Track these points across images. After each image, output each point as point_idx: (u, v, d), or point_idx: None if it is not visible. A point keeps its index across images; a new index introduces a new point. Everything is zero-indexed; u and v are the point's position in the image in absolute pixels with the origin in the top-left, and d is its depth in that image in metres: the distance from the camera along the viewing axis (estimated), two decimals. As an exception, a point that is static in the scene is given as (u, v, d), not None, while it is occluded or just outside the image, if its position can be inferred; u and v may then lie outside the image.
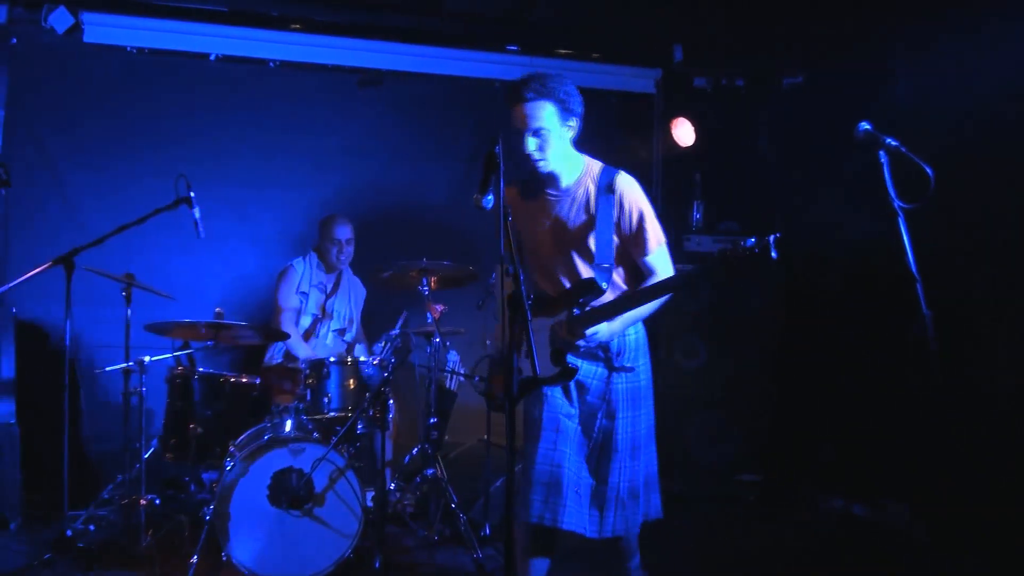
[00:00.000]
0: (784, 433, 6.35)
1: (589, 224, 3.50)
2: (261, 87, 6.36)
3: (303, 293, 5.66)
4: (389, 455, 5.08)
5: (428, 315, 5.17)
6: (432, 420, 5.24)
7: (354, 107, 6.53)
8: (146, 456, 4.94)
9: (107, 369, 5.13)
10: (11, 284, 4.93)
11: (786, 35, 6.42)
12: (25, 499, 5.33)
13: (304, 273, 5.71)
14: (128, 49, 6.22)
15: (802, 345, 6.35)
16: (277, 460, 4.38)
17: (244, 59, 6.32)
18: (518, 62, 6.62)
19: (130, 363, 4.84)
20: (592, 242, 3.49)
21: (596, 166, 3.59)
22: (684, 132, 6.69)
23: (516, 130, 3.47)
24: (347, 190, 6.46)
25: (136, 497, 4.73)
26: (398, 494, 5.29)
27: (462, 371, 5.77)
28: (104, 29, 6.19)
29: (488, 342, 5.64)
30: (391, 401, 4.90)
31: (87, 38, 6.15)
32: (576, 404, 3.56)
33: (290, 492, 4.36)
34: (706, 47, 6.88)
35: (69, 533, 4.66)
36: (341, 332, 5.81)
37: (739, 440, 6.30)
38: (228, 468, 4.42)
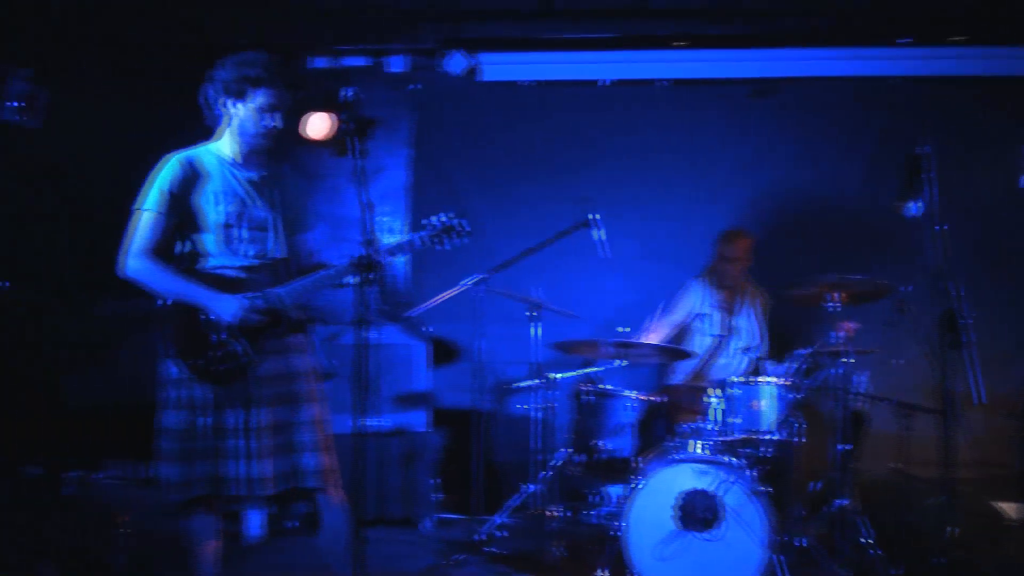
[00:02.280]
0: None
1: None
2: (651, 107, 6.41)
3: (701, 315, 5.56)
4: (797, 481, 4.83)
5: (836, 334, 4.85)
6: (842, 447, 4.90)
7: (746, 119, 6.38)
8: (553, 467, 5.09)
9: (516, 385, 5.37)
10: (425, 305, 5.34)
11: None
12: (436, 502, 5.70)
13: (702, 294, 5.61)
14: (521, 83, 6.53)
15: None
16: (684, 480, 4.30)
17: (633, 81, 6.40)
18: (912, 55, 6.17)
19: (538, 380, 5.02)
20: None
21: None
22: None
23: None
24: (744, 204, 6.32)
25: (544, 509, 4.87)
26: (806, 523, 5.00)
27: (873, 393, 5.36)
28: (499, 67, 6.56)
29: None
30: (799, 424, 4.66)
31: (484, 77, 6.55)
32: None
33: (697, 514, 4.25)
34: None
35: (478, 537, 4.89)
36: (747, 350, 5.65)
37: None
38: (634, 486, 4.41)
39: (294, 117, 6.42)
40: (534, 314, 5.26)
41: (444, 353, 6.18)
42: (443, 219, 3.63)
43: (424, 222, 3.63)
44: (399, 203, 6.65)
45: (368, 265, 3.35)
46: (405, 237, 3.63)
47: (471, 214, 6.27)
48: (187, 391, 3.42)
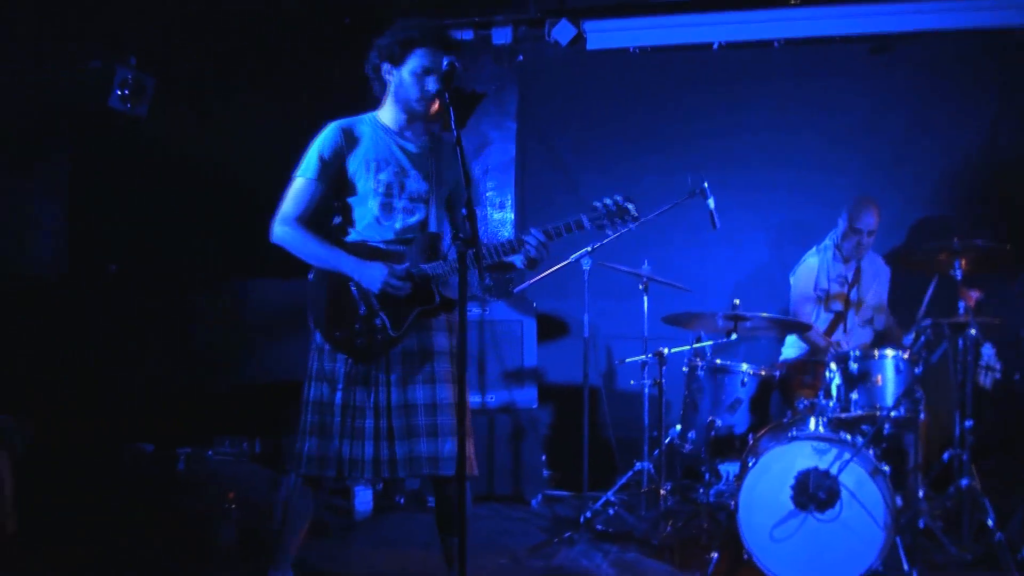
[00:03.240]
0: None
1: None
2: (766, 69, 6.15)
3: (822, 290, 5.32)
4: (919, 459, 4.60)
5: (961, 303, 4.58)
6: (967, 423, 4.64)
7: (865, 78, 6.03)
8: (665, 444, 4.99)
9: (626, 360, 5.27)
10: (532, 280, 5.27)
11: None
12: (546, 479, 5.67)
13: (821, 267, 5.34)
14: (631, 50, 6.37)
15: None
16: (801, 459, 4.12)
17: (747, 43, 6.15)
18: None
19: (648, 355, 4.91)
20: None
21: None
22: None
23: None
24: (863, 167, 5.97)
25: (655, 487, 4.77)
26: (927, 504, 4.77)
27: (999, 366, 5.07)
28: (605, 35, 6.42)
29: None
30: (921, 400, 4.42)
31: (590, 46, 6.43)
32: None
33: (815, 494, 4.08)
34: None
35: (587, 515, 4.83)
36: (868, 322, 5.38)
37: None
38: (749, 464, 4.26)
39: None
40: (644, 288, 5.15)
41: (553, 328, 6.13)
42: (612, 201, 3.41)
43: (595, 203, 3.42)
44: (507, 177, 6.62)
45: (468, 241, 3.10)
46: (571, 217, 3.39)
47: (579, 185, 6.33)
48: (329, 363, 3.40)
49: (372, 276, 3.35)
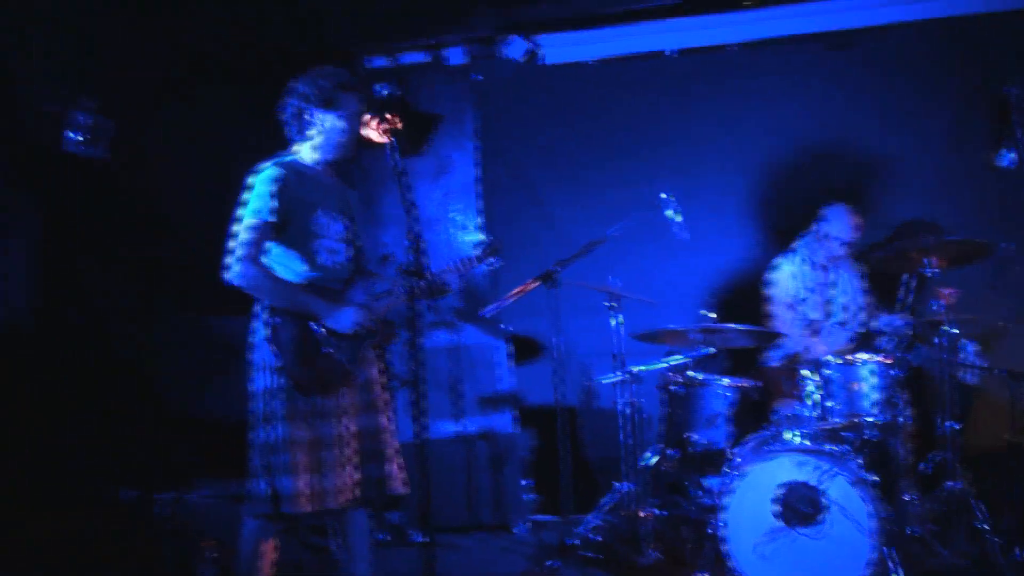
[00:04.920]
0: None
1: None
2: (722, 74, 6.06)
3: (795, 297, 5.23)
4: (905, 465, 4.52)
5: (935, 302, 4.51)
6: (950, 424, 4.57)
7: (823, 77, 5.93)
8: (645, 463, 4.90)
9: (598, 381, 5.18)
10: (499, 304, 5.16)
11: None
12: (529, 504, 5.56)
13: (795, 275, 5.24)
14: (586, 62, 6.30)
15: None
16: (783, 473, 4.05)
17: (702, 48, 6.07)
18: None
19: (621, 374, 4.82)
20: None
21: None
22: None
23: None
24: (828, 168, 5.86)
25: (638, 509, 4.68)
26: (918, 509, 4.69)
27: (980, 364, 5.00)
28: (560, 48, 6.36)
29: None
30: (903, 403, 4.35)
31: (545, 60, 6.35)
32: None
33: (799, 508, 4.00)
34: None
35: (571, 541, 4.73)
36: (846, 324, 5.27)
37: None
38: (731, 480, 4.18)
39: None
40: (613, 304, 5.05)
41: (525, 350, 6.01)
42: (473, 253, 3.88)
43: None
44: (470, 198, 6.50)
45: (416, 272, 3.44)
46: (445, 267, 3.75)
47: (543, 203, 6.24)
48: (291, 402, 3.41)
49: (344, 317, 3.50)
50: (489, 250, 3.92)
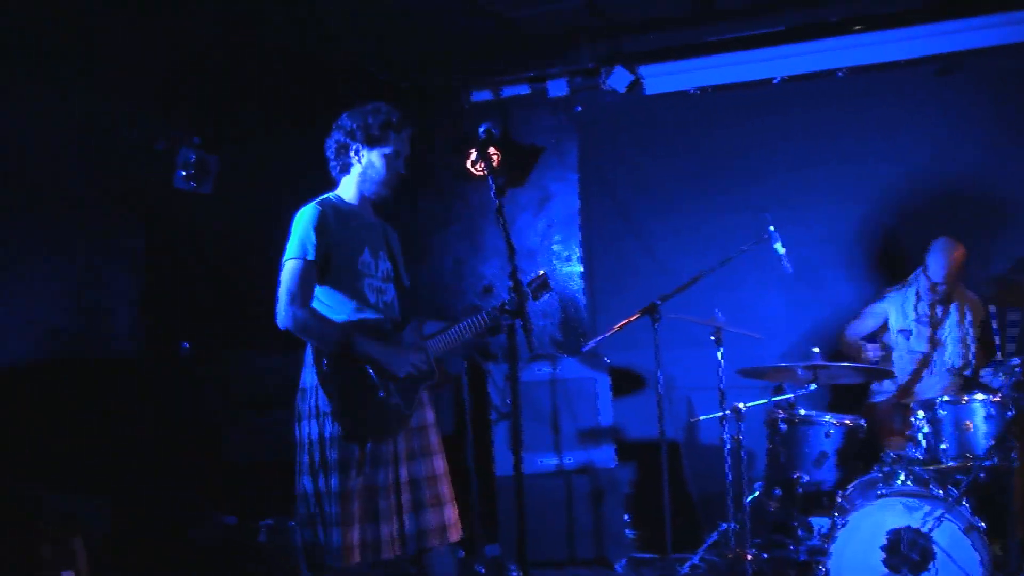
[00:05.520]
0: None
1: None
2: (829, 101, 5.89)
3: (903, 330, 5.03)
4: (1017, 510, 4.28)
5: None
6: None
7: (935, 101, 5.70)
8: (749, 501, 4.78)
9: (703, 418, 5.09)
10: (600, 337, 5.17)
11: None
12: (630, 541, 5.48)
13: (902, 306, 5.06)
14: (689, 92, 6.23)
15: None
16: (891, 518, 3.88)
17: (809, 75, 5.91)
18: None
19: (725, 411, 4.73)
20: None
21: None
22: None
23: None
24: (941, 197, 5.61)
25: (741, 551, 4.56)
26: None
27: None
28: (662, 78, 6.31)
29: None
30: (1015, 446, 4.12)
31: (647, 90, 6.31)
32: None
33: (907, 555, 3.83)
34: None
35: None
36: (954, 367, 5.02)
37: None
38: (837, 524, 4.04)
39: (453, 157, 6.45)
40: (716, 338, 4.95)
41: (628, 382, 5.95)
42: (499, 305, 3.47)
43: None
44: (571, 229, 6.49)
45: (514, 311, 3.28)
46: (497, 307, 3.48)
47: (644, 234, 6.18)
48: (343, 450, 3.29)
49: (400, 360, 3.39)
50: (541, 285, 3.63)
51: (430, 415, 3.54)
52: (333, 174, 3.58)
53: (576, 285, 6.41)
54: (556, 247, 6.48)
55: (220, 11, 5.35)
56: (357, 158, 3.49)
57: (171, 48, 5.55)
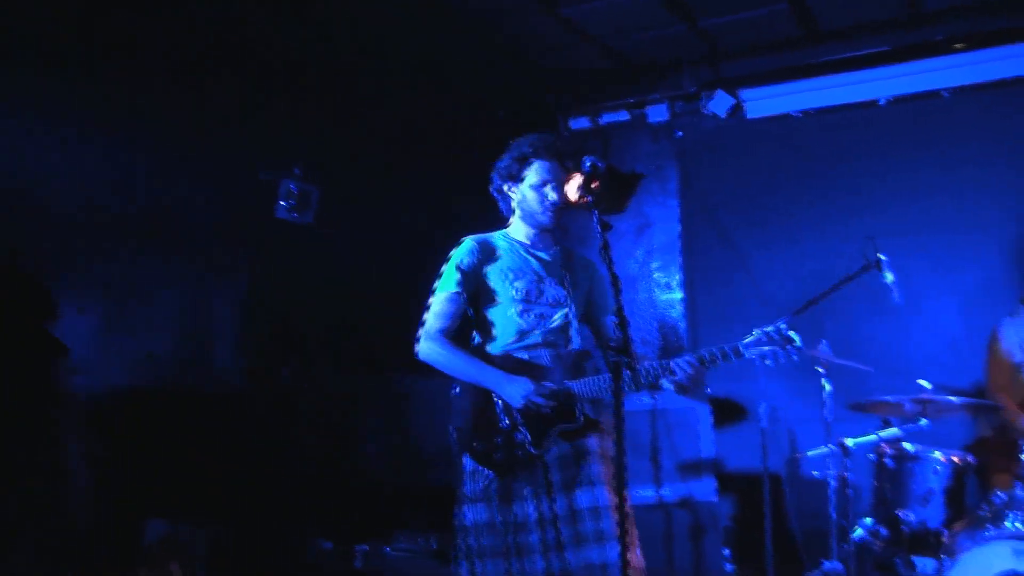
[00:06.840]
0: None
1: None
2: (936, 121, 5.71)
3: (1018, 361, 4.81)
4: None
5: None
6: None
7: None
8: (855, 538, 4.63)
9: (808, 453, 4.97)
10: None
11: None
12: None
13: (1016, 336, 4.85)
14: (792, 115, 6.15)
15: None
16: (999, 561, 3.72)
17: (914, 96, 5.77)
18: None
19: (831, 446, 4.61)
20: None
21: None
22: None
23: None
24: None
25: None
26: None
27: None
28: (764, 102, 6.28)
29: None
30: None
31: (749, 114, 6.27)
32: None
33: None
34: None
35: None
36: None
37: None
38: (944, 567, 3.89)
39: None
40: (823, 370, 4.84)
41: (729, 413, 5.84)
42: (776, 329, 3.31)
43: (756, 330, 3.32)
44: (673, 256, 6.46)
45: (619, 348, 3.01)
46: (728, 344, 3.32)
47: (747, 259, 6.08)
48: (482, 484, 3.36)
49: (514, 392, 3.34)
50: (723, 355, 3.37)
51: (592, 442, 3.39)
52: (503, 214, 3.71)
53: (676, 313, 6.36)
54: (656, 274, 6.45)
55: (324, 48, 5.54)
56: (511, 195, 3.63)
57: (276, 84, 5.75)
